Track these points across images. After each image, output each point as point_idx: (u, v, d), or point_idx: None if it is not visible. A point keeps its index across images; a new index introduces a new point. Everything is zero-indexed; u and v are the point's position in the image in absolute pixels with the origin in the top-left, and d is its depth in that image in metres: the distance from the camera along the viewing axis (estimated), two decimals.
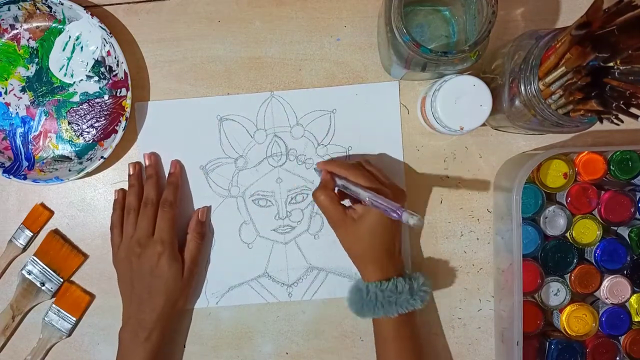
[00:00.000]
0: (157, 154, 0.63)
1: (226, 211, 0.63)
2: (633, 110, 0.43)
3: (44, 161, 0.62)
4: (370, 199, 0.51)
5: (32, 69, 0.61)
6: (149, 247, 0.58)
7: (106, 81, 0.61)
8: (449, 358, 0.64)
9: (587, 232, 0.59)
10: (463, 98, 0.53)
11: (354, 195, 0.54)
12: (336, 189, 0.57)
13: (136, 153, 0.63)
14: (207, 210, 0.63)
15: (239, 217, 0.63)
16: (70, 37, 0.61)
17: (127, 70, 0.59)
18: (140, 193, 0.61)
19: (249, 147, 0.63)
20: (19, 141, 0.62)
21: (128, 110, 0.59)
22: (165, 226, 0.58)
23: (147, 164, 0.62)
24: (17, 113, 0.62)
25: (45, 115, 0.62)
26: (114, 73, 0.61)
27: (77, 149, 0.62)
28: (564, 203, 0.59)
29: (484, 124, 0.54)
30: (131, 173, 0.62)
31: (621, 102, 0.43)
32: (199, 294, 0.64)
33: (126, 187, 0.62)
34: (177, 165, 0.62)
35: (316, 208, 0.62)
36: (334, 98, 0.62)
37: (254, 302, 0.64)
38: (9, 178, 0.59)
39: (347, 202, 0.58)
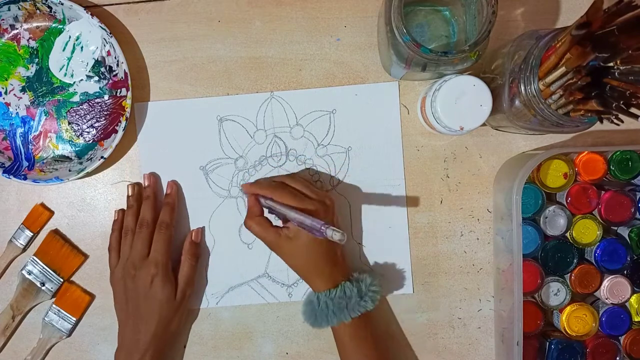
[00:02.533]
0: (157, 175, 0.63)
1: (226, 212, 0.63)
2: (633, 110, 0.43)
3: (44, 161, 0.62)
4: (295, 219, 0.52)
5: (32, 69, 0.61)
6: (143, 268, 0.58)
7: (106, 81, 0.61)
8: (449, 358, 0.64)
9: (587, 232, 0.59)
10: (463, 98, 0.53)
11: (280, 212, 0.55)
12: (265, 210, 0.57)
13: (136, 153, 0.63)
14: (201, 231, 0.63)
15: (239, 217, 0.63)
16: (70, 37, 0.61)
17: (127, 70, 0.59)
18: (138, 214, 0.61)
19: (249, 148, 0.63)
20: (19, 141, 0.62)
21: (128, 110, 0.59)
22: (160, 248, 0.59)
23: (146, 184, 0.62)
24: (17, 113, 0.62)
25: (45, 115, 0.62)
26: (114, 73, 0.61)
27: (77, 149, 0.62)
28: (564, 203, 0.59)
29: (484, 124, 0.54)
30: (130, 194, 0.62)
31: (621, 102, 0.42)
32: (200, 297, 0.64)
33: (124, 206, 0.62)
34: (174, 186, 0.62)
35: None
36: (334, 98, 0.62)
37: (254, 303, 0.64)
38: (9, 178, 0.59)
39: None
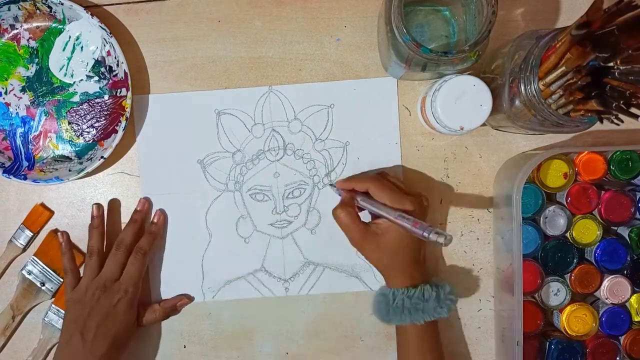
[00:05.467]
0: (150, 201, 0.63)
1: (223, 205, 0.63)
2: (633, 110, 0.43)
3: (44, 161, 0.62)
4: (398, 218, 0.51)
5: (32, 69, 0.61)
6: (113, 290, 0.57)
7: (106, 81, 0.61)
8: (448, 358, 0.64)
9: (587, 232, 0.59)
10: (463, 98, 0.53)
11: (377, 213, 0.54)
12: (357, 206, 0.56)
13: (136, 153, 0.63)
14: (187, 302, 0.63)
15: (236, 211, 0.63)
16: (70, 37, 0.61)
17: (127, 70, 0.59)
18: (103, 235, 0.61)
19: (247, 142, 0.63)
20: (19, 141, 0.62)
21: (128, 110, 0.59)
22: (134, 273, 0.58)
23: (137, 208, 0.62)
24: (17, 113, 0.62)
25: (45, 115, 0.62)
26: (114, 73, 0.61)
27: (77, 149, 0.62)
28: (564, 203, 0.59)
29: (484, 124, 0.54)
30: (95, 215, 0.62)
31: (621, 102, 0.42)
32: (196, 291, 0.64)
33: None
34: (161, 217, 0.62)
35: (313, 203, 0.63)
36: (332, 93, 0.62)
37: (251, 297, 0.63)
38: (9, 178, 0.59)
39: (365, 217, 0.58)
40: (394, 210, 0.52)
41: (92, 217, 0.62)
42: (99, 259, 0.59)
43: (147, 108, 0.63)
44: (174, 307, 0.62)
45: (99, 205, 0.62)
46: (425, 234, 0.48)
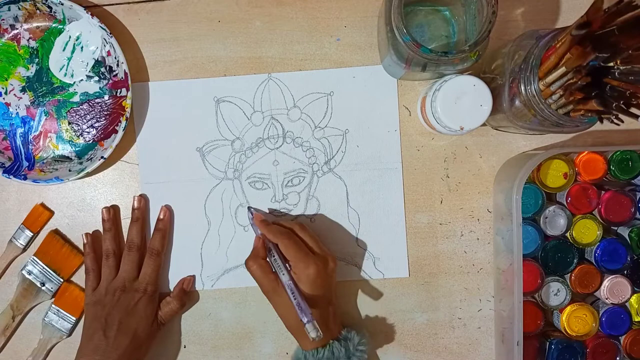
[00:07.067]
0: (147, 197, 0.63)
1: (222, 194, 0.63)
2: (633, 110, 0.43)
3: (44, 161, 0.62)
4: (288, 287, 0.53)
5: (32, 69, 0.61)
6: (131, 291, 0.58)
7: (106, 81, 0.61)
8: (449, 358, 0.64)
9: (587, 232, 0.59)
10: (463, 98, 0.53)
11: (277, 272, 0.55)
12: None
13: (136, 154, 0.63)
14: (192, 280, 0.63)
15: (235, 199, 0.63)
16: (70, 37, 0.61)
17: (127, 70, 0.59)
18: (117, 237, 0.62)
19: (246, 129, 0.63)
20: (19, 141, 0.62)
21: (128, 110, 0.59)
22: (151, 273, 0.60)
23: (135, 206, 0.62)
24: (17, 113, 0.62)
25: (45, 115, 0.62)
26: (114, 73, 0.61)
27: (77, 149, 0.62)
28: (564, 203, 0.59)
29: (484, 124, 0.54)
30: (106, 218, 0.62)
31: (621, 102, 0.43)
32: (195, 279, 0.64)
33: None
34: (167, 212, 0.62)
35: (312, 191, 0.63)
36: (332, 80, 0.62)
37: (250, 285, 0.63)
38: (9, 178, 0.59)
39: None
40: (290, 275, 0.54)
41: (103, 220, 0.62)
42: (115, 261, 0.60)
43: (147, 95, 0.62)
44: (182, 290, 0.62)
45: (108, 209, 0.62)
46: (304, 319, 0.50)
